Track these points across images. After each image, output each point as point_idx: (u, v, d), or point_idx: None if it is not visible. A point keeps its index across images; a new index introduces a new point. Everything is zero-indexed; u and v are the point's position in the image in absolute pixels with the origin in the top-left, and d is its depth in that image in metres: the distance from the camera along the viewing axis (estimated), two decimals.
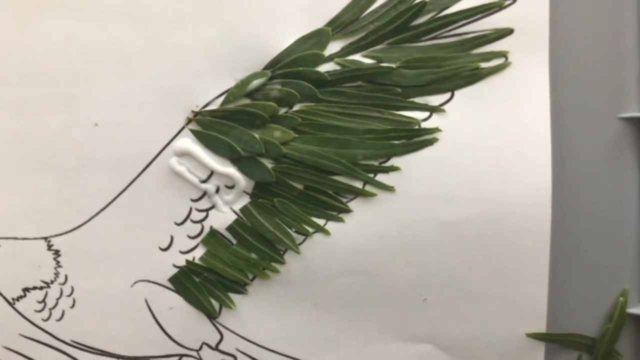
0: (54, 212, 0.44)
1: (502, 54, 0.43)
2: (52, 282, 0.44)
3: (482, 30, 0.43)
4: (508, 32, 0.43)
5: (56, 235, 0.44)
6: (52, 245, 0.44)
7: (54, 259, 0.44)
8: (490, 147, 0.44)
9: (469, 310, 0.45)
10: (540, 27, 0.43)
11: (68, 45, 0.43)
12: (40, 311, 0.45)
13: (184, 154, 0.43)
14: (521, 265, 0.44)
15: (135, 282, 0.44)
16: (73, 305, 0.45)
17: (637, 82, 0.45)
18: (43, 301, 0.45)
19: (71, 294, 0.45)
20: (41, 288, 0.45)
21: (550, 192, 0.44)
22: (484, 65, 0.43)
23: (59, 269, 0.44)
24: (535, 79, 0.44)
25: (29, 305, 0.45)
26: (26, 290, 0.45)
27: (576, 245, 0.46)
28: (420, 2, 0.43)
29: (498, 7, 0.43)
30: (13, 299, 0.45)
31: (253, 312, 0.45)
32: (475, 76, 0.43)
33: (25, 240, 0.44)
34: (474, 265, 0.44)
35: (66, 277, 0.44)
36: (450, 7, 0.43)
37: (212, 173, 0.43)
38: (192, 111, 0.43)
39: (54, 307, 0.45)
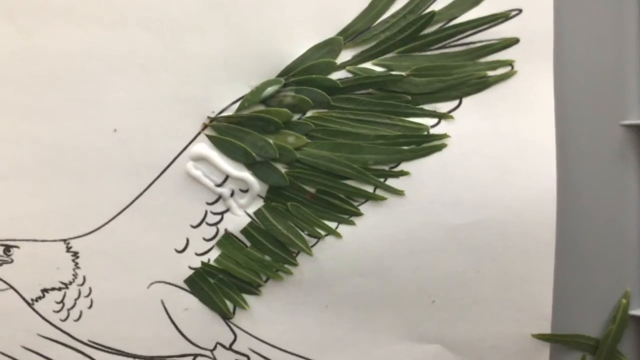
0: (73, 214, 0.45)
1: (508, 63, 0.45)
2: (70, 283, 0.45)
3: (489, 40, 0.45)
4: (514, 41, 0.44)
5: (75, 238, 0.45)
6: (70, 247, 0.45)
7: (73, 260, 0.45)
8: (497, 153, 0.45)
9: (476, 311, 0.46)
10: (544, 37, 0.45)
11: (87, 52, 0.44)
12: (58, 311, 0.46)
13: (200, 159, 0.44)
14: (527, 268, 0.46)
15: (152, 284, 0.46)
16: (91, 306, 0.46)
17: (638, 90, 0.46)
18: (61, 302, 0.46)
19: (89, 294, 0.46)
20: (60, 289, 0.46)
21: (555, 197, 0.45)
22: (490, 73, 0.45)
23: (77, 270, 0.45)
24: (540, 87, 0.45)
25: (47, 305, 0.46)
26: (45, 291, 0.46)
27: (580, 249, 0.47)
28: (429, 13, 0.44)
29: (504, 18, 0.44)
30: (32, 299, 0.46)
31: (266, 313, 0.46)
32: (482, 84, 0.45)
33: (44, 242, 0.45)
34: (481, 268, 0.46)
35: (84, 278, 0.45)
36: (458, 17, 0.45)
37: (227, 177, 0.45)
38: (208, 117, 0.44)
39: (72, 307, 0.46)
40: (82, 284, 0.45)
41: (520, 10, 0.44)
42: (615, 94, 0.47)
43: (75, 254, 0.45)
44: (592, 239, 0.47)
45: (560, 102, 0.45)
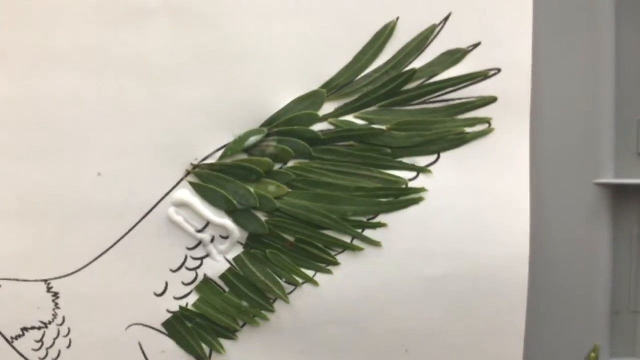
0: (55, 256, 0.46)
1: (486, 121, 0.46)
2: (50, 322, 0.46)
3: (468, 98, 0.46)
4: (492, 100, 0.46)
5: (56, 279, 0.46)
6: (51, 288, 0.46)
7: (53, 300, 0.46)
8: (473, 208, 0.46)
9: None
10: (522, 96, 0.46)
11: (75, 97, 0.45)
12: (37, 350, 0.47)
13: (181, 205, 0.45)
14: (499, 321, 0.47)
15: (130, 326, 0.46)
16: (69, 346, 0.47)
17: (612, 150, 0.48)
18: (41, 341, 0.46)
19: (68, 334, 0.46)
20: (39, 328, 0.46)
21: (527, 253, 0.46)
22: (468, 130, 0.46)
23: (57, 311, 0.46)
24: (516, 144, 0.46)
25: (27, 344, 0.47)
26: (25, 329, 0.46)
27: (552, 304, 0.48)
28: (411, 70, 0.45)
29: (483, 77, 0.45)
30: (12, 337, 0.46)
31: (242, 357, 0.47)
32: (460, 140, 0.46)
33: (26, 282, 0.46)
34: (454, 320, 0.47)
35: (64, 318, 0.46)
36: (439, 74, 0.46)
37: (208, 223, 0.46)
38: (191, 164, 0.45)
39: (51, 346, 0.47)
40: (62, 324, 0.46)
41: (499, 70, 0.46)
42: (589, 153, 0.48)
43: (56, 295, 0.46)
44: (563, 294, 0.48)
45: (536, 160, 0.46)
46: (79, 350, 0.46)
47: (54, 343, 0.46)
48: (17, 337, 0.46)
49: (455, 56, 0.45)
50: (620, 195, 0.48)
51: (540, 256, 0.47)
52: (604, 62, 0.47)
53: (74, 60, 0.44)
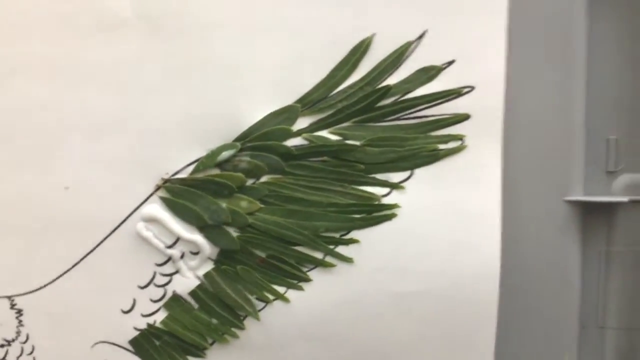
0: (19, 271, 0.44)
1: (459, 137, 0.46)
2: (13, 340, 0.45)
3: (441, 114, 0.46)
4: (465, 117, 0.46)
5: (19, 295, 0.44)
6: (15, 304, 0.44)
7: (16, 317, 0.45)
8: (445, 224, 0.46)
9: None
10: (494, 114, 0.46)
11: (43, 108, 0.44)
12: None
13: (151, 220, 0.44)
14: (470, 336, 0.47)
15: (96, 344, 0.45)
16: None
17: (582, 168, 0.48)
18: (4, 359, 0.45)
19: (31, 352, 0.45)
20: (2, 346, 0.45)
21: (498, 269, 0.46)
22: (441, 146, 0.46)
23: (21, 328, 0.45)
24: (489, 161, 0.46)
25: None
26: None
27: (522, 319, 0.49)
28: (385, 86, 0.45)
29: (457, 94, 0.45)
30: None
31: None
32: (433, 157, 0.46)
33: None
34: (425, 336, 0.47)
35: (27, 336, 0.45)
36: (413, 91, 0.45)
37: (178, 239, 0.45)
38: (162, 178, 0.44)
39: None
40: (25, 342, 0.45)
41: (472, 88, 0.46)
42: (559, 170, 0.48)
43: (19, 312, 0.45)
44: (533, 309, 0.49)
45: (507, 176, 0.47)
46: None
47: None
48: None
49: (429, 73, 0.45)
50: (589, 212, 0.49)
51: (511, 272, 0.47)
52: (576, 81, 0.48)
53: (42, 71, 0.43)
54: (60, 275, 0.44)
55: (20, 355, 0.45)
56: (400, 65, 0.45)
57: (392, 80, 0.45)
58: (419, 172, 0.46)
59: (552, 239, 0.48)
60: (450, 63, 0.45)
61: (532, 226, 0.48)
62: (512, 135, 0.47)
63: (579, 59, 0.48)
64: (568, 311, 0.49)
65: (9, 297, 0.44)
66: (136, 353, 0.45)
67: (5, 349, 0.45)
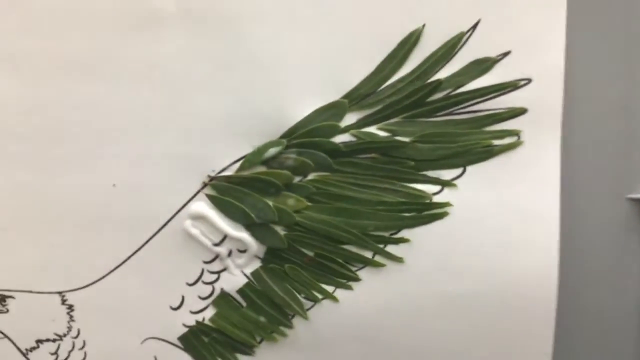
0: (69, 268, 0.45)
1: (515, 133, 0.44)
2: (64, 335, 0.45)
3: (496, 109, 0.44)
4: (521, 111, 0.44)
5: (70, 291, 0.45)
6: (66, 300, 0.45)
7: (68, 313, 0.45)
8: (500, 224, 0.44)
9: None
10: (553, 108, 0.44)
11: (90, 105, 0.44)
12: None
13: (198, 217, 0.44)
14: (526, 341, 0.45)
15: (146, 340, 0.45)
16: (84, 359, 0.46)
17: None
18: (55, 353, 0.46)
19: (83, 347, 0.46)
20: (54, 340, 0.46)
21: (557, 271, 0.44)
22: (496, 142, 0.44)
23: (72, 323, 0.45)
24: (546, 158, 0.44)
25: (41, 356, 0.46)
26: (39, 342, 0.46)
27: (582, 325, 0.46)
28: (436, 80, 0.43)
29: (513, 87, 0.43)
30: (27, 349, 0.46)
31: None
32: (487, 153, 0.44)
33: (40, 294, 0.45)
34: (479, 339, 0.45)
35: (79, 331, 0.45)
36: (466, 85, 0.43)
37: (225, 237, 0.44)
38: (208, 175, 0.44)
39: (66, 359, 0.46)
40: (76, 337, 0.45)
41: (529, 80, 0.43)
42: (622, 167, 0.46)
43: (71, 307, 0.45)
44: (593, 313, 0.47)
45: (566, 174, 0.44)
46: None
47: (68, 355, 0.46)
48: (32, 349, 0.46)
49: (483, 65, 0.43)
50: None
51: (570, 273, 0.45)
52: (639, 72, 0.45)
53: (89, 68, 0.43)
54: (110, 272, 0.45)
55: (72, 349, 0.46)
56: (452, 58, 0.44)
57: (443, 73, 0.44)
58: (471, 169, 0.44)
59: (614, 239, 0.46)
60: (506, 54, 0.43)
61: (592, 225, 0.46)
62: (571, 130, 0.45)
63: None
64: (629, 313, 0.47)
65: (60, 293, 0.45)
66: (185, 350, 0.46)
67: (57, 343, 0.46)
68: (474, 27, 0.43)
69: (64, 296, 0.45)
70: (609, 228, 0.46)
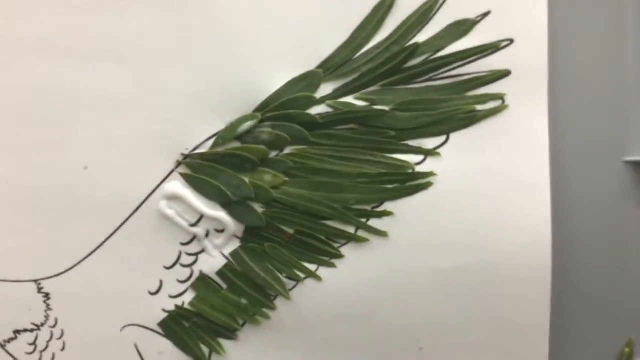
0: (44, 254, 0.44)
1: (499, 97, 0.42)
2: (42, 324, 0.44)
3: (478, 72, 0.42)
4: (505, 73, 0.42)
5: (46, 278, 0.44)
6: (42, 288, 0.44)
7: (44, 301, 0.44)
8: (487, 192, 0.42)
9: None
10: (538, 69, 0.42)
11: (58, 87, 0.43)
12: (31, 353, 0.45)
13: (173, 198, 0.43)
14: (521, 315, 0.43)
15: (125, 327, 0.44)
16: (63, 348, 0.45)
17: None
18: (34, 343, 0.45)
19: (61, 336, 0.44)
20: (32, 330, 0.44)
21: (550, 239, 0.42)
22: (479, 107, 0.42)
23: (49, 312, 0.44)
24: (534, 122, 0.42)
25: (20, 347, 0.45)
26: (17, 332, 0.45)
27: (578, 294, 0.44)
28: (413, 44, 0.41)
29: (494, 49, 0.42)
30: (4, 340, 0.45)
31: (243, 358, 0.44)
32: (470, 119, 0.42)
33: (15, 282, 0.44)
34: (471, 315, 0.43)
35: (56, 320, 0.44)
36: (445, 48, 0.42)
37: (201, 217, 0.43)
38: (182, 154, 0.43)
39: (45, 349, 0.45)
40: (54, 326, 0.44)
41: (511, 41, 0.42)
42: (616, 129, 0.44)
43: (47, 295, 0.44)
44: (591, 282, 0.44)
45: (556, 138, 0.43)
46: (74, 353, 0.45)
47: (47, 346, 0.45)
48: (10, 340, 0.45)
49: (462, 27, 0.42)
50: None
51: (564, 242, 0.43)
52: (628, 30, 0.43)
53: (52, 50, 0.42)
54: (85, 258, 0.43)
55: (50, 339, 0.44)
56: (429, 21, 0.42)
57: (421, 37, 0.42)
58: (455, 136, 0.42)
59: (610, 205, 0.44)
60: (486, 15, 0.42)
61: (586, 191, 0.44)
62: (559, 91, 0.43)
63: (631, 5, 0.42)
64: (630, 284, 0.44)
65: (35, 281, 0.44)
66: (166, 336, 0.44)
67: (35, 333, 0.44)
68: None
69: (39, 284, 0.43)
70: (605, 193, 0.44)
